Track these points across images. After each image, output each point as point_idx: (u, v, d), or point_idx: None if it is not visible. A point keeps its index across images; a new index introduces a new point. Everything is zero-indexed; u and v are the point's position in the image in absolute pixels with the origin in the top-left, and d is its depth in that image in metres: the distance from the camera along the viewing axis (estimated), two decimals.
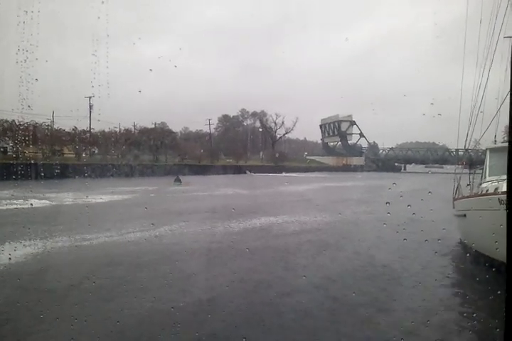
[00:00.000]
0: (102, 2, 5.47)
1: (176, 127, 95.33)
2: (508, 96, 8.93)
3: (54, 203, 17.55)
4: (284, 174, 57.65)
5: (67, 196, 19.55)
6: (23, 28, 4.94)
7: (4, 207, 13.80)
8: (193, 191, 26.51)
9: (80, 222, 11.56)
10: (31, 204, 12.70)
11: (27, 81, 5.56)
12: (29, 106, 5.90)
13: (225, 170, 57.06)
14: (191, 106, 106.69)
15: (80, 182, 20.07)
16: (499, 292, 5.36)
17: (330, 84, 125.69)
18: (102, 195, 20.57)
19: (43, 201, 16.94)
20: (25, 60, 5.36)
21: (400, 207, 8.19)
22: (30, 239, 9.40)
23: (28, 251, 8.58)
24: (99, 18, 5.48)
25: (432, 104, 8.10)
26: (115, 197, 20.71)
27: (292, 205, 19.53)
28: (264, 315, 5.58)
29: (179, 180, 34.19)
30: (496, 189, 7.60)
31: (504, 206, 6.06)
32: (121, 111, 50.05)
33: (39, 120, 39.88)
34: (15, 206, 12.58)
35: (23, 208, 12.56)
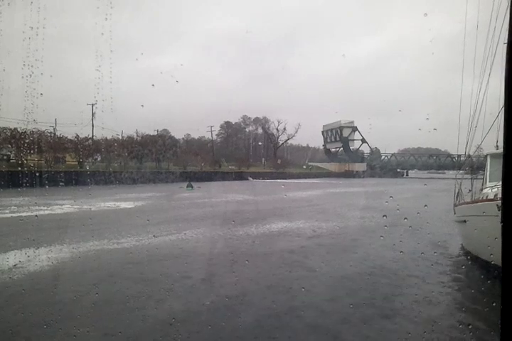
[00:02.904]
0: (106, 19, 5.59)
1: (178, 134, 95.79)
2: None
3: (82, 209, 17.83)
4: (286, 180, 57.69)
5: (87, 202, 19.81)
6: (29, 44, 5.07)
7: (31, 213, 14.05)
8: (204, 197, 27.04)
9: (110, 226, 12.83)
10: (42, 211, 13.03)
11: (32, 95, 5.69)
12: (34, 120, 6.06)
13: (228, 176, 57.19)
14: (194, 114, 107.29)
15: (89, 189, 20.70)
16: (494, 302, 5.40)
17: (332, 92, 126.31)
18: (120, 201, 21.34)
19: (66, 206, 17.56)
20: (30, 75, 5.49)
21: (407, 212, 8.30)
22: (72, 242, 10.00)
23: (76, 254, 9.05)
24: (102, 34, 5.60)
25: (427, 119, 8.27)
26: (136, 204, 21.42)
27: (302, 211, 19.73)
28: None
29: (191, 186, 34.45)
30: (496, 195, 7.63)
31: None
32: (125, 119, 50.42)
33: (41, 128, 40.23)
34: (45, 212, 13.21)
35: (48, 214, 13.24)
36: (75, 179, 27.27)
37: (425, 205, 8.77)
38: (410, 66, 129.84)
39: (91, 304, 5.72)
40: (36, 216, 9.55)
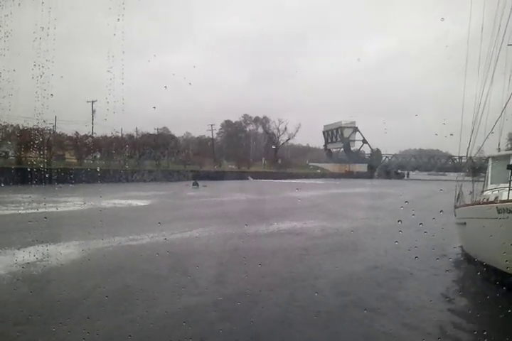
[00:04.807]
0: (118, 19, 5.58)
1: (178, 132, 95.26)
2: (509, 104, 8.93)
3: (96, 206, 17.64)
4: (287, 180, 57.59)
5: (98, 200, 19.60)
6: (39, 44, 5.05)
7: (47, 210, 14.03)
8: (209, 196, 27.53)
9: (125, 223, 13.45)
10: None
11: (42, 96, 5.67)
12: (44, 121, 6.07)
13: (228, 176, 57.06)
14: (194, 113, 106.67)
15: (92, 187, 20.80)
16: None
17: (335, 92, 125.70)
18: (129, 199, 21.60)
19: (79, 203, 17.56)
20: (40, 76, 5.47)
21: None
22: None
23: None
24: (114, 35, 5.57)
25: (443, 124, 8.20)
26: (146, 202, 21.81)
27: (307, 211, 19.91)
28: None
29: (197, 184, 34.69)
30: (496, 198, 7.59)
31: (502, 215, 6.07)
32: (125, 118, 50.09)
33: (42, 125, 40.03)
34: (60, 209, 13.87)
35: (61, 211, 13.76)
36: (76, 176, 27.25)
37: (441, 211, 8.65)
38: (413, 67, 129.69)
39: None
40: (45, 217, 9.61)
